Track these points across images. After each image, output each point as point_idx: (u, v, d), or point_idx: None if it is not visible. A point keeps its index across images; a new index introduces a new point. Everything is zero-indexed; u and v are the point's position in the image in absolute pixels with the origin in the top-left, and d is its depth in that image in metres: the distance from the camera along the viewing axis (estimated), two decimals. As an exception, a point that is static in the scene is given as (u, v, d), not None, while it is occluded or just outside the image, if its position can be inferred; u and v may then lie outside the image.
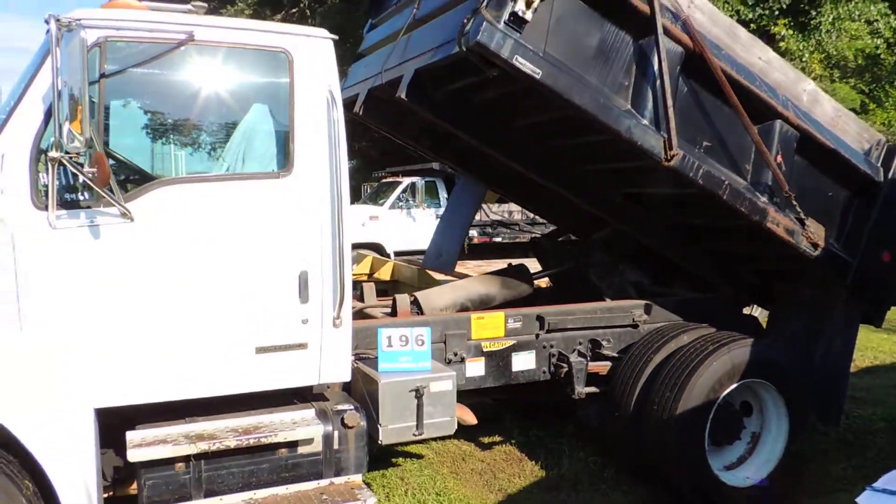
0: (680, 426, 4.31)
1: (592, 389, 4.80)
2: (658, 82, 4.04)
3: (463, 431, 5.41)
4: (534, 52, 3.76)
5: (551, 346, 4.79)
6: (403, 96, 4.34)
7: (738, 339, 4.55)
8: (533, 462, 5.30)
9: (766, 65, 4.43)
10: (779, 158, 4.38)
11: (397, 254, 13.53)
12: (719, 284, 5.43)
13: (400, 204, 15.25)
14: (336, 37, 3.63)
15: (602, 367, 4.88)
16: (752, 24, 14.03)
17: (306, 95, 3.50)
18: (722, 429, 4.58)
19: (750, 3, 13.75)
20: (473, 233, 14.84)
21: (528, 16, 3.64)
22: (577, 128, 4.24)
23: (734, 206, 4.32)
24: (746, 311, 6.02)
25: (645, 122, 4.07)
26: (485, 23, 3.57)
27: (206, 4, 3.63)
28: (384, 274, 7.64)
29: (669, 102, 4.01)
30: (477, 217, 14.89)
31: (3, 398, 2.93)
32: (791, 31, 13.85)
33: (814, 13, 13.75)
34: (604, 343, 4.90)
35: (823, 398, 4.89)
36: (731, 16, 13.90)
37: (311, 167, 3.50)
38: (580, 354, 4.83)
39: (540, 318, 4.73)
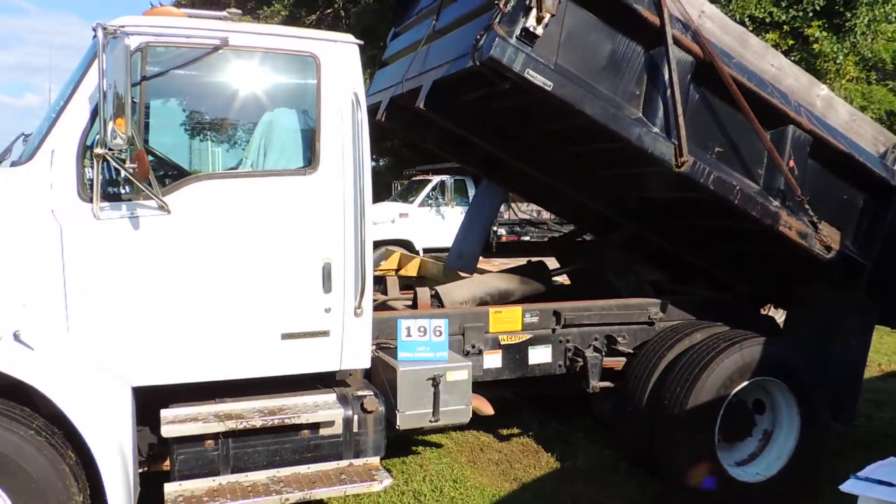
0: (690, 421, 4.42)
1: (607, 384, 4.93)
2: (668, 91, 4.15)
3: (482, 423, 5.60)
4: (545, 64, 3.89)
5: (567, 341, 4.93)
6: (422, 106, 4.52)
7: (750, 338, 4.64)
8: (549, 454, 5.45)
9: (779, 71, 4.51)
10: (791, 163, 4.46)
11: (426, 251, 13.73)
12: (737, 285, 5.51)
13: (429, 202, 15.47)
14: (361, 42, 3.83)
15: (617, 362, 5.00)
16: (785, 26, 13.92)
17: (332, 97, 3.71)
18: (733, 425, 4.67)
19: (783, 5, 13.63)
20: (502, 231, 14.99)
21: (539, 31, 3.77)
22: (590, 135, 4.36)
23: (746, 210, 4.41)
24: (771, 313, 6.11)
25: (656, 129, 4.18)
26: (497, 38, 3.72)
27: (240, 11, 3.87)
28: (411, 270, 7.84)
29: (679, 111, 4.12)
30: (505, 216, 15.04)
31: (51, 376, 3.17)
32: (825, 33, 13.68)
33: (849, 15, 13.54)
34: (619, 339, 5.02)
35: (837, 397, 4.94)
36: (764, 17, 13.83)
37: (336, 165, 3.70)
38: (595, 350, 4.96)
39: (556, 314, 4.87)
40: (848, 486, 2.62)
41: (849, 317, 5.01)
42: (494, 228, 14.96)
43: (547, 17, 3.76)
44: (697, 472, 4.03)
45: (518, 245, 14.48)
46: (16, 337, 3.12)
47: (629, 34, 4.15)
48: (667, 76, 4.13)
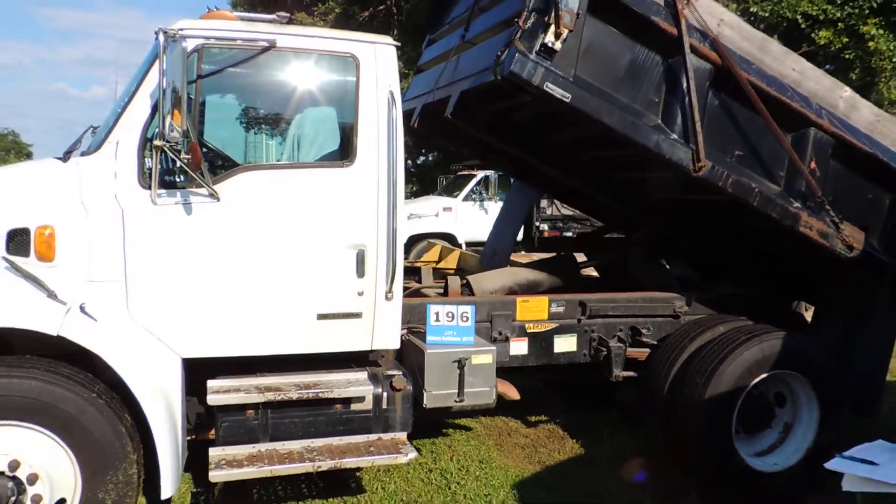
0: (707, 411, 4.56)
1: (630, 374, 5.10)
2: (686, 99, 4.28)
3: (511, 409, 5.84)
4: (564, 77, 4.06)
5: (592, 331, 5.11)
6: (450, 116, 4.76)
7: (770, 332, 4.75)
8: (574, 440, 5.65)
9: (800, 75, 4.59)
10: (812, 165, 4.54)
11: (468, 244, 13.97)
12: (764, 281, 5.59)
13: (473, 196, 15.71)
14: (398, 44, 4.09)
15: (641, 353, 5.16)
16: (840, 24, 13.68)
17: (369, 95, 3.97)
18: (753, 417, 4.80)
19: (838, 2, 13.40)
20: (544, 227, 15.12)
21: (558, 46, 3.94)
22: (611, 141, 4.51)
23: (765, 211, 4.52)
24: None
25: (674, 136, 4.32)
26: (517, 54, 3.90)
27: (288, 15, 4.17)
28: (451, 262, 8.10)
29: (697, 118, 4.25)
30: (548, 211, 15.16)
31: (111, 345, 3.53)
32: (882, 31, 13.40)
33: (906, 13, 13.28)
34: (643, 331, 5.18)
35: (859, 392, 5.00)
36: (817, 15, 13.61)
37: (372, 158, 3.97)
38: (620, 340, 5.12)
39: (582, 304, 5.05)
40: (833, 464, 2.77)
41: (874, 314, 5.07)
42: (537, 224, 15.11)
43: (565, 32, 3.92)
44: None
45: (560, 241, 14.59)
46: (82, 309, 3.49)
47: (647, 45, 4.29)
48: (684, 84, 4.26)
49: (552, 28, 3.91)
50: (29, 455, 3.38)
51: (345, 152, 4.03)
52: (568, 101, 4.06)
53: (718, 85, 4.42)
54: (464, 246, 13.90)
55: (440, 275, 6.53)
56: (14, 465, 3.36)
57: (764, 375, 4.68)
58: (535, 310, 5.00)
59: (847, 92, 4.74)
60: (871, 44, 13.42)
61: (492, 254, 6.67)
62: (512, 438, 5.70)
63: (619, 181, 5.50)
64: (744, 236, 5.11)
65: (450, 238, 14.46)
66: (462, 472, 4.97)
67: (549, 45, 3.94)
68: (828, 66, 15.56)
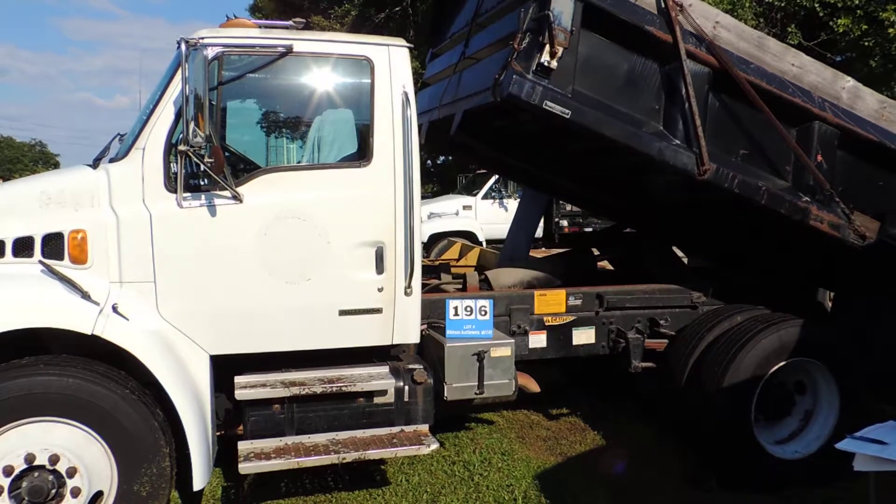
0: (726, 400, 4.61)
1: (649, 364, 5.15)
2: (687, 105, 4.33)
3: (532, 403, 5.91)
4: (562, 94, 4.12)
5: (610, 323, 5.18)
6: (454, 134, 4.85)
7: (788, 320, 4.78)
8: (595, 432, 5.70)
9: (800, 70, 4.61)
10: (819, 157, 4.56)
11: (488, 242, 14.05)
12: (781, 270, 5.61)
13: (492, 194, 15.78)
14: (411, 45, 4.19)
15: (659, 343, 5.21)
16: (858, 11, 13.54)
17: (384, 96, 4.08)
18: (773, 405, 4.83)
19: (856, -12, 13.29)
20: (564, 223, 15.13)
21: (554, 65, 3.99)
22: (616, 150, 4.52)
23: (774, 209, 4.55)
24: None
25: (676, 142, 4.37)
26: (514, 75, 3.97)
27: (304, 20, 4.28)
28: (471, 259, 8.21)
29: (698, 122, 4.30)
30: (567, 207, 15.18)
31: (143, 343, 3.67)
32: (902, 18, 13.24)
33: (927, -1, 13.11)
34: (661, 322, 5.24)
35: (880, 378, 5.00)
36: (836, 3, 13.48)
37: (388, 158, 4.07)
38: (638, 331, 5.19)
39: (599, 297, 5.12)
40: (843, 445, 2.82)
41: (892, 300, 5.07)
42: (556, 220, 15.13)
43: (560, 51, 3.98)
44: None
45: (579, 236, 14.61)
46: (114, 309, 3.64)
47: (644, 54, 4.35)
48: (683, 90, 4.31)
49: (547, 47, 3.96)
50: (68, 449, 3.53)
51: (361, 152, 4.13)
52: (567, 117, 4.12)
53: (718, 87, 4.46)
54: (484, 244, 13.98)
55: (461, 273, 6.64)
56: (54, 459, 3.51)
57: (782, 363, 4.71)
58: (552, 303, 5.07)
59: (849, 82, 4.75)
60: (890, 30, 13.26)
61: (509, 258, 6.75)
62: (534, 431, 5.77)
63: (629, 186, 5.52)
64: (758, 230, 5.13)
65: (470, 236, 14.55)
66: (485, 464, 5.05)
67: (546, 64, 3.99)
68: (847, 54, 15.40)
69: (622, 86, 4.35)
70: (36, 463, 3.50)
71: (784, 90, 4.53)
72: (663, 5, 4.28)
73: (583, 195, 6.22)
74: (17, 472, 3.47)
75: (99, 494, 3.62)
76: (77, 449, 3.55)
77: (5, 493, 3.45)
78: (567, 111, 4.12)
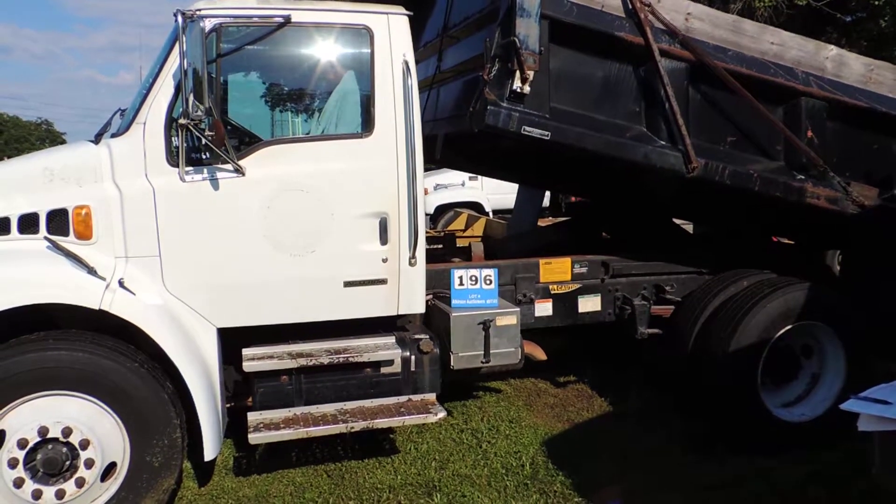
0: (733, 363, 4.61)
1: (655, 331, 5.16)
2: (667, 104, 4.28)
3: (539, 371, 5.94)
4: (539, 116, 4.07)
5: (616, 290, 5.18)
6: (439, 157, 4.80)
7: (794, 283, 4.77)
8: (602, 398, 5.74)
9: (780, 47, 4.54)
10: (809, 133, 4.52)
11: (495, 212, 14.02)
12: (787, 235, 5.59)
13: (498, 165, 15.70)
14: (411, 13, 4.13)
15: (665, 310, 5.22)
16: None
17: (384, 66, 4.04)
18: (780, 368, 4.84)
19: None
20: (571, 192, 15.08)
21: (527, 89, 3.94)
22: (603, 157, 4.44)
23: (769, 193, 4.52)
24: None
25: (661, 143, 4.34)
26: (489, 106, 3.93)
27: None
28: (477, 230, 8.21)
29: (681, 121, 4.26)
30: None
31: (150, 318, 3.70)
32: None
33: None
34: (667, 288, 5.23)
35: (886, 339, 4.99)
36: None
37: (389, 128, 4.04)
38: (644, 298, 5.19)
39: (605, 264, 5.11)
40: (848, 405, 2.83)
41: (898, 262, 5.04)
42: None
43: (531, 74, 3.92)
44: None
45: (585, 206, 14.56)
46: (120, 283, 3.66)
47: (618, 59, 4.30)
48: (662, 91, 4.27)
49: (517, 73, 3.91)
50: (80, 422, 3.58)
51: (363, 123, 4.11)
52: (547, 139, 4.08)
53: (697, 79, 4.42)
54: (490, 214, 13.95)
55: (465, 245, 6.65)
56: (67, 432, 3.56)
57: (789, 327, 4.71)
58: (558, 271, 5.07)
59: (832, 51, 4.69)
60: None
61: (516, 230, 6.75)
62: (541, 398, 5.81)
63: (623, 184, 5.40)
64: (756, 209, 5.07)
65: (476, 207, 14.52)
66: (493, 432, 5.09)
67: (518, 90, 3.95)
68: (857, 14, 15.12)
69: (600, 94, 4.32)
70: (49, 436, 3.55)
71: (765, 72, 4.49)
72: (630, 6, 4.21)
73: (580, 191, 6.17)
74: (31, 444, 3.52)
75: (112, 465, 3.69)
76: (89, 422, 3.60)
77: (20, 465, 3.51)
78: (546, 133, 4.09)
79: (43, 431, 3.53)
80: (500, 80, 3.99)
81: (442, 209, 13.79)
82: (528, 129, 4.05)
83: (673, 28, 4.31)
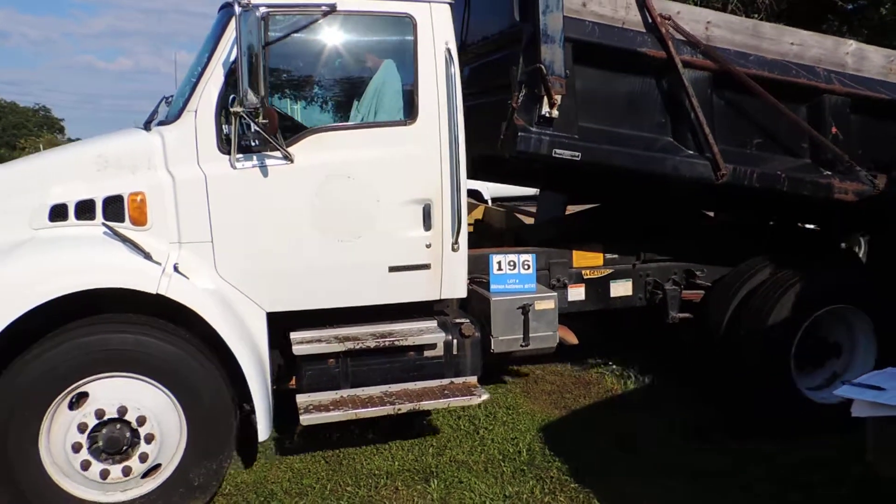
0: (766, 347, 4.70)
1: (686, 315, 5.24)
2: (693, 114, 4.34)
3: (539, 358, 5.89)
4: (569, 138, 4.14)
5: (647, 275, 5.26)
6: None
7: (824, 268, 4.85)
8: (600, 386, 5.78)
9: (801, 47, 4.62)
10: (834, 130, 4.60)
11: (493, 200, 14.05)
12: (814, 221, 5.66)
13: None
14: (452, 1, 4.18)
15: (696, 294, 5.30)
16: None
17: (427, 54, 4.09)
18: (811, 352, 4.92)
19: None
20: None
21: (555, 114, 4.01)
22: (632, 170, 4.52)
23: (797, 193, 4.60)
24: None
25: (689, 152, 4.42)
26: (520, 132, 3.99)
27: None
28: (476, 215, 8.25)
29: (707, 130, 4.33)
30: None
31: (204, 301, 3.74)
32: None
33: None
34: (698, 273, 5.31)
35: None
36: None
37: (433, 115, 4.10)
38: (675, 283, 5.27)
39: (636, 250, 5.19)
40: (842, 391, 2.89)
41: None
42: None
43: (559, 98, 3.97)
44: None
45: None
46: (175, 268, 3.73)
47: (641, 73, 4.38)
48: (687, 101, 4.33)
49: (545, 99, 3.97)
50: (154, 414, 3.66)
51: (407, 110, 4.17)
52: (578, 160, 4.15)
53: (721, 85, 4.49)
54: (489, 201, 13.96)
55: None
56: (141, 420, 3.64)
57: (820, 311, 4.78)
58: (590, 256, 5.15)
59: (852, 45, 4.76)
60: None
61: (546, 216, 6.76)
62: (539, 386, 5.82)
63: (651, 193, 5.47)
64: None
65: (475, 194, 14.52)
66: (490, 419, 5.10)
67: (547, 115, 4.01)
68: (860, 2, 15.07)
69: (625, 109, 4.40)
70: (125, 417, 3.62)
71: (787, 74, 4.56)
72: (651, 21, 4.25)
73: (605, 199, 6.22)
74: (105, 418, 3.59)
75: (157, 466, 3.71)
76: (160, 416, 3.67)
77: (86, 434, 3.57)
78: (577, 154, 4.17)
79: (122, 411, 3.60)
80: (528, 106, 4.07)
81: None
82: (558, 151, 4.14)
83: (694, 39, 4.37)
